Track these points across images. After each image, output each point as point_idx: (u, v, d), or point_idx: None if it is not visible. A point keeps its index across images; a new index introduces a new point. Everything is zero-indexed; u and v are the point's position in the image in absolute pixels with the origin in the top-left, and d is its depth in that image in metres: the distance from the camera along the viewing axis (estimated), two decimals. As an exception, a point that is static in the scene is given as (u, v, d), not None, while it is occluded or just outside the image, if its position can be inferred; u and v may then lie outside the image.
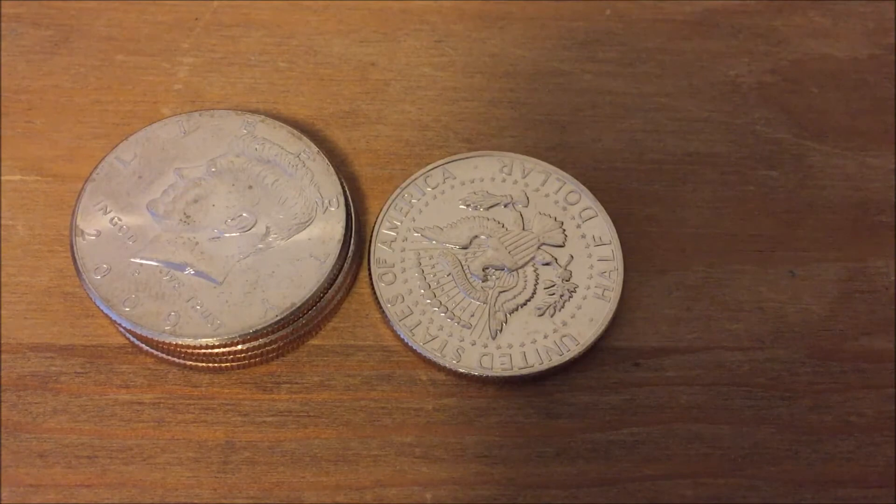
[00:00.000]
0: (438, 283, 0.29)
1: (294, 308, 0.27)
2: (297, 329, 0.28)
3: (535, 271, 0.29)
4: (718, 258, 0.30)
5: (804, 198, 0.31)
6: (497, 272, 0.29)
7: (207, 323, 0.27)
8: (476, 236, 0.29)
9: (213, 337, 0.27)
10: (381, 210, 0.30)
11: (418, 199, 0.30)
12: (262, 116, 0.30)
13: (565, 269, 0.29)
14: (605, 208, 0.30)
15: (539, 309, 0.28)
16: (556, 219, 0.30)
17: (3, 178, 0.31)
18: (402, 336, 0.28)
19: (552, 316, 0.28)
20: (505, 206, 0.30)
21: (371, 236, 0.29)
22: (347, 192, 0.29)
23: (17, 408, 0.28)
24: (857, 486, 0.28)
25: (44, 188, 0.31)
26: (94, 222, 0.28)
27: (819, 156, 0.32)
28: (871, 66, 0.33)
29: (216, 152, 0.29)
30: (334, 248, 0.28)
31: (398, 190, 0.30)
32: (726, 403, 0.28)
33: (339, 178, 0.29)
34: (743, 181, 0.31)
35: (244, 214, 0.28)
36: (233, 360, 0.28)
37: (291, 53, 0.33)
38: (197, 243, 0.28)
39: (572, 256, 0.29)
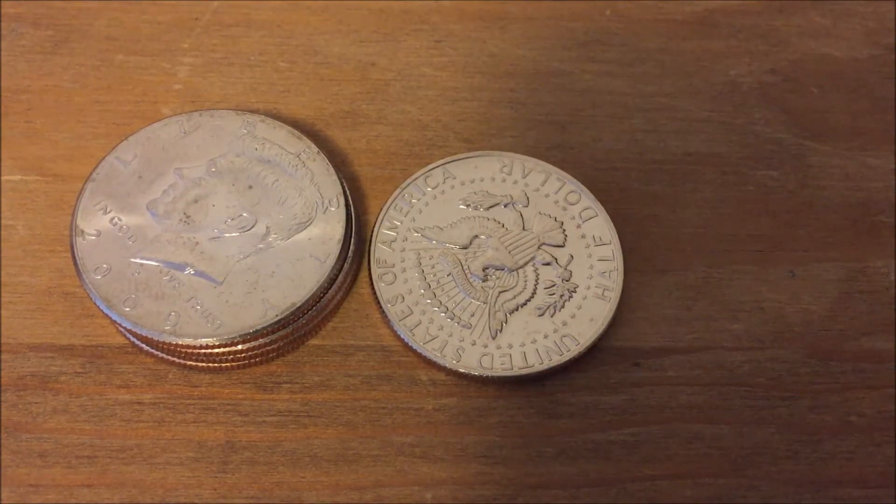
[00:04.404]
0: (438, 283, 0.29)
1: (294, 308, 0.27)
2: (297, 329, 0.28)
3: (535, 271, 0.29)
4: (718, 258, 0.30)
5: (804, 198, 0.31)
6: (497, 272, 0.29)
7: (207, 323, 0.27)
8: (476, 236, 0.29)
9: (213, 337, 0.27)
10: (381, 210, 0.30)
11: (418, 199, 0.30)
12: (262, 116, 0.30)
13: (565, 269, 0.29)
14: (605, 208, 0.30)
15: (539, 309, 0.28)
16: (556, 219, 0.30)
17: (3, 178, 0.31)
18: (402, 336, 0.28)
19: (552, 316, 0.28)
20: (505, 206, 0.30)
21: (371, 236, 0.29)
22: (347, 192, 0.29)
23: (17, 408, 0.28)
24: (857, 486, 0.28)
25: (44, 188, 0.31)
26: (94, 222, 0.28)
27: (819, 156, 0.32)
28: (871, 66, 0.33)
29: (216, 152, 0.29)
30: (334, 248, 0.28)
31: (398, 190, 0.30)
32: (726, 403, 0.28)
33: (339, 178, 0.29)
34: (743, 181, 0.31)
35: (244, 214, 0.28)
36: (233, 360, 0.28)
37: (291, 53, 0.33)
38: (197, 243, 0.28)
39: (572, 256, 0.29)
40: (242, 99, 0.32)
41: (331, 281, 0.28)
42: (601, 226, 0.30)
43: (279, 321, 0.27)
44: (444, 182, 0.30)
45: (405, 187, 0.30)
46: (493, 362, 0.28)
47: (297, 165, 0.29)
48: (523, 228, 0.30)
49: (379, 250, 0.29)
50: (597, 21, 0.34)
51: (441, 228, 0.30)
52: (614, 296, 0.29)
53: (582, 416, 0.28)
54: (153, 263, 0.28)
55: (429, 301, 0.29)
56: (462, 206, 0.30)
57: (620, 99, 0.33)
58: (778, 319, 0.29)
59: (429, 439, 0.28)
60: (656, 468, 0.28)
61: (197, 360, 0.28)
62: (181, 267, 0.28)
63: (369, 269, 0.29)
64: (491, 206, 0.30)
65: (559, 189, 0.30)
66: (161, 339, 0.27)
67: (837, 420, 0.28)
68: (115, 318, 0.27)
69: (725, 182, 0.31)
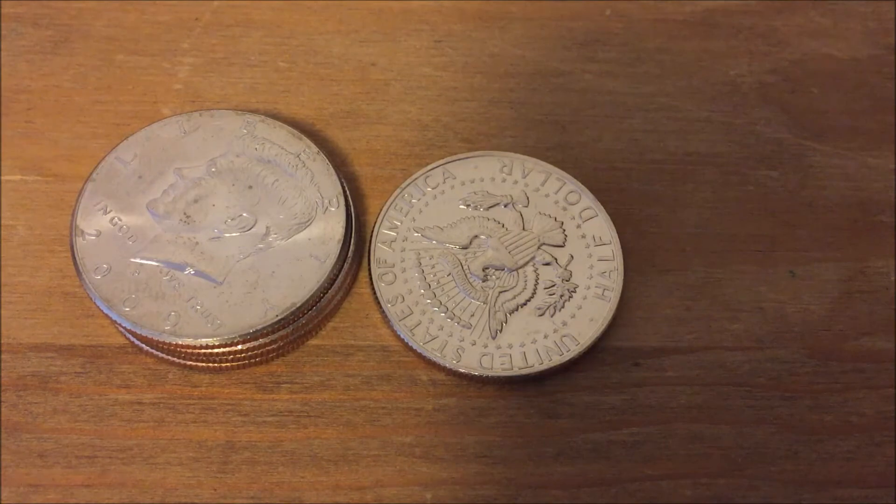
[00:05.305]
0: (438, 283, 0.29)
1: (294, 308, 0.27)
2: (297, 329, 0.28)
3: (535, 271, 0.29)
4: (718, 258, 0.30)
5: (804, 198, 0.31)
6: (497, 272, 0.29)
7: (207, 323, 0.27)
8: (476, 236, 0.29)
9: (213, 337, 0.27)
10: (381, 210, 0.30)
11: (418, 199, 0.30)
12: (262, 116, 0.30)
13: (565, 269, 0.29)
14: (605, 208, 0.30)
15: (539, 309, 0.28)
16: (556, 219, 0.30)
17: (3, 178, 0.31)
18: (402, 336, 0.28)
19: (552, 316, 0.28)
20: (505, 206, 0.30)
21: (371, 236, 0.29)
22: (347, 192, 0.29)
23: (17, 408, 0.28)
24: (857, 486, 0.28)
25: (44, 188, 0.31)
26: (94, 222, 0.28)
27: (819, 156, 0.32)
28: (871, 66, 0.33)
29: (216, 152, 0.29)
30: (334, 248, 0.28)
31: (398, 190, 0.30)
32: (726, 403, 0.28)
33: (339, 178, 0.29)
34: (743, 181, 0.31)
35: (244, 214, 0.28)
36: (233, 360, 0.28)
37: (291, 53, 0.33)
38: (197, 243, 0.28)
39: (572, 256, 0.29)
40: (242, 99, 0.32)
41: (331, 281, 0.28)
42: (601, 226, 0.30)
43: (279, 321, 0.27)
44: (444, 182, 0.30)
45: (405, 187, 0.30)
46: (493, 362, 0.28)
47: (297, 165, 0.29)
48: (523, 228, 0.30)
49: (379, 250, 0.29)
50: (597, 21, 0.34)
51: (441, 228, 0.30)
52: (614, 296, 0.29)
53: (582, 416, 0.28)
54: (153, 263, 0.28)
55: (429, 301, 0.29)
56: (462, 206, 0.30)
57: (620, 99, 0.33)
58: (778, 319, 0.29)
59: (429, 439, 0.28)
60: (656, 468, 0.28)
61: (197, 360, 0.28)
62: (181, 267, 0.28)
63: (369, 269, 0.29)
64: (491, 206, 0.30)
65: (559, 189, 0.30)
66: (161, 339, 0.27)
67: (837, 420, 0.28)
68: (115, 318, 0.27)
69: (725, 182, 0.31)
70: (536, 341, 0.28)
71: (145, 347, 0.28)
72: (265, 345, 0.28)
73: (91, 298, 0.27)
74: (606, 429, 0.28)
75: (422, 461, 0.27)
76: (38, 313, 0.29)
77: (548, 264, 0.29)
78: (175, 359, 0.28)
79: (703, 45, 0.34)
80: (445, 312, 0.28)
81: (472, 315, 0.28)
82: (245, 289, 0.27)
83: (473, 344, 0.28)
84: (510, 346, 0.28)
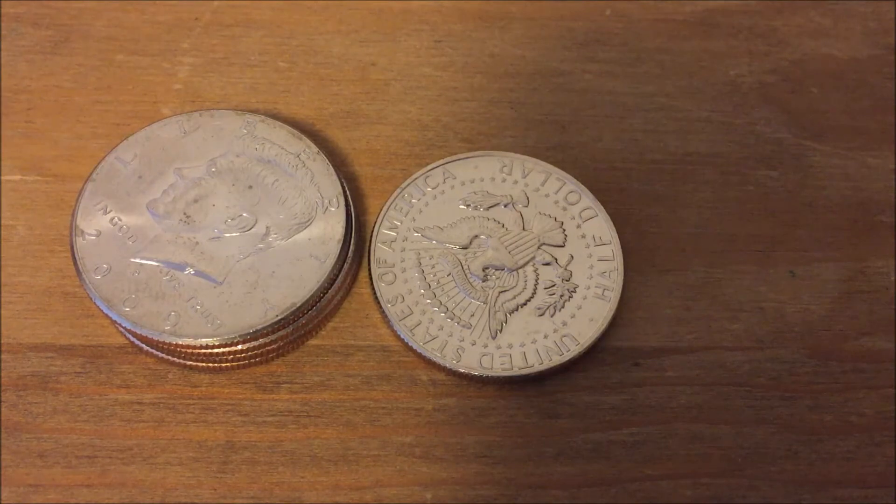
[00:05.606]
0: (438, 283, 0.29)
1: (294, 308, 0.27)
2: (297, 329, 0.28)
3: (535, 271, 0.29)
4: (718, 258, 0.30)
5: (804, 198, 0.31)
6: (497, 272, 0.29)
7: (207, 323, 0.27)
8: (476, 236, 0.29)
9: (213, 337, 0.27)
10: (381, 210, 0.30)
11: (418, 199, 0.30)
12: (262, 116, 0.30)
13: (565, 269, 0.29)
14: (605, 208, 0.30)
15: (539, 309, 0.28)
16: (556, 219, 0.30)
17: (3, 178, 0.31)
18: (402, 336, 0.28)
19: (552, 316, 0.28)
20: (505, 206, 0.30)
21: (371, 236, 0.29)
22: (347, 192, 0.29)
23: (17, 408, 0.28)
24: (857, 486, 0.28)
25: (44, 188, 0.31)
26: (94, 222, 0.28)
27: (819, 156, 0.32)
28: (871, 66, 0.33)
29: (216, 152, 0.29)
30: (334, 248, 0.28)
31: (398, 190, 0.30)
32: (726, 403, 0.28)
33: (339, 178, 0.29)
34: (743, 181, 0.31)
35: (244, 214, 0.28)
36: (233, 360, 0.28)
37: (291, 53, 0.33)
38: (197, 243, 0.28)
39: (572, 256, 0.29)
40: (242, 99, 0.32)
41: (331, 281, 0.28)
42: (601, 226, 0.30)
43: (279, 321, 0.27)
44: (444, 182, 0.30)
45: (405, 187, 0.30)
46: (493, 362, 0.28)
47: (297, 165, 0.29)
48: (523, 228, 0.30)
49: (379, 250, 0.29)
50: (597, 21, 0.34)
51: (441, 228, 0.30)
52: (614, 296, 0.29)
53: (582, 416, 0.28)
54: (153, 263, 0.28)
55: (429, 301, 0.29)
56: (462, 206, 0.30)
57: (620, 99, 0.33)
58: (778, 319, 0.29)
59: (429, 439, 0.28)
60: (656, 468, 0.28)
61: (197, 360, 0.28)
62: (181, 267, 0.28)
63: (369, 269, 0.29)
64: (491, 206, 0.30)
65: (559, 189, 0.30)
66: (161, 339, 0.27)
67: (837, 420, 0.28)
68: (115, 318, 0.27)
69: (725, 182, 0.31)
70: (536, 341, 0.28)
71: (145, 347, 0.28)
72: (265, 345, 0.28)
73: (91, 298, 0.27)
74: (606, 429, 0.28)
75: (422, 461, 0.27)
76: (38, 313, 0.29)
77: (548, 264, 0.29)
78: (175, 359, 0.28)
79: (703, 45, 0.34)
80: (445, 312, 0.28)
81: (472, 315, 0.28)
82: (245, 289, 0.27)
83: (473, 344, 0.28)
84: (510, 346, 0.28)
